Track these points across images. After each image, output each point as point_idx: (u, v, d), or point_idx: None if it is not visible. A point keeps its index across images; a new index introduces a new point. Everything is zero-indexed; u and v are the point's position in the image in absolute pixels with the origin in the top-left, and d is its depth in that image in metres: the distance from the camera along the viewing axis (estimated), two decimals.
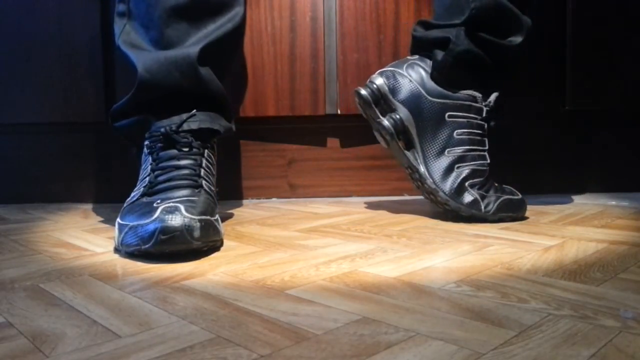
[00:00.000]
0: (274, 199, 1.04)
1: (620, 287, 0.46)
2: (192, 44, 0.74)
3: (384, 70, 0.82)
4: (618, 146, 1.05)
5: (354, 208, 0.94)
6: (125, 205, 0.67)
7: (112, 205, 1.04)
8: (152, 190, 0.66)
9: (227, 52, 0.81)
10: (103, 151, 1.07)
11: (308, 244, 0.66)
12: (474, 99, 0.80)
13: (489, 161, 0.81)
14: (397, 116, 0.80)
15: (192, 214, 0.59)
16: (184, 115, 0.72)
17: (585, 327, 0.37)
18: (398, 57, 1.02)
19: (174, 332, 0.37)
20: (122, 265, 0.57)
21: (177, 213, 0.58)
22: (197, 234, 0.58)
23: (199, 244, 0.58)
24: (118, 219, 0.65)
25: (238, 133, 1.05)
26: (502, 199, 0.78)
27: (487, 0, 0.77)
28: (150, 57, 0.73)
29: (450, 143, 0.79)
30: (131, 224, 0.61)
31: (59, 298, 0.46)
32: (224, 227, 0.70)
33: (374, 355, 0.33)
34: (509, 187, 0.81)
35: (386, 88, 0.80)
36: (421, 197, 0.85)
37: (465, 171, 0.78)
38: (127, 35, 0.77)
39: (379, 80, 0.80)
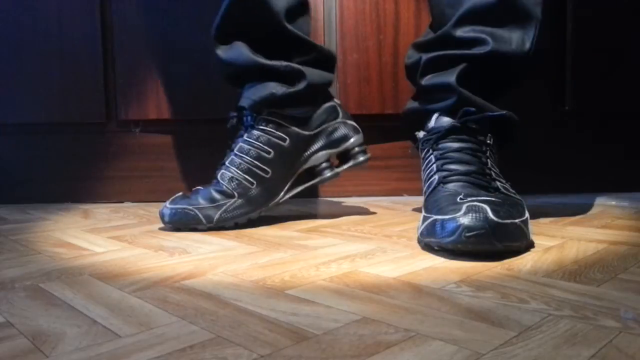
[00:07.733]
0: None
1: (620, 287, 0.46)
2: None
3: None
4: (618, 146, 1.05)
5: (353, 208, 0.94)
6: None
7: (112, 206, 1.04)
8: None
9: None
10: (103, 151, 1.07)
11: (308, 244, 0.66)
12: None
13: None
14: None
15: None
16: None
17: (586, 327, 0.37)
18: (398, 58, 1.03)
19: (174, 332, 0.37)
20: (122, 265, 0.57)
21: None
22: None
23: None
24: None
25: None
26: None
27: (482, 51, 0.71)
28: None
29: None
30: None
31: (59, 298, 0.46)
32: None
33: (374, 355, 0.33)
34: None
35: None
36: (420, 197, 0.84)
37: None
38: None
39: None
